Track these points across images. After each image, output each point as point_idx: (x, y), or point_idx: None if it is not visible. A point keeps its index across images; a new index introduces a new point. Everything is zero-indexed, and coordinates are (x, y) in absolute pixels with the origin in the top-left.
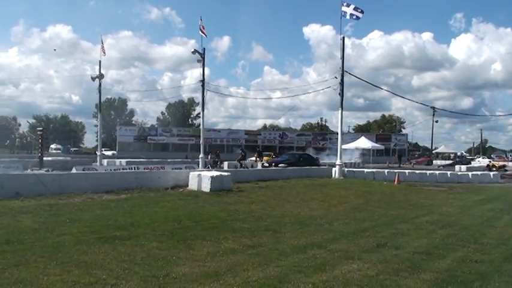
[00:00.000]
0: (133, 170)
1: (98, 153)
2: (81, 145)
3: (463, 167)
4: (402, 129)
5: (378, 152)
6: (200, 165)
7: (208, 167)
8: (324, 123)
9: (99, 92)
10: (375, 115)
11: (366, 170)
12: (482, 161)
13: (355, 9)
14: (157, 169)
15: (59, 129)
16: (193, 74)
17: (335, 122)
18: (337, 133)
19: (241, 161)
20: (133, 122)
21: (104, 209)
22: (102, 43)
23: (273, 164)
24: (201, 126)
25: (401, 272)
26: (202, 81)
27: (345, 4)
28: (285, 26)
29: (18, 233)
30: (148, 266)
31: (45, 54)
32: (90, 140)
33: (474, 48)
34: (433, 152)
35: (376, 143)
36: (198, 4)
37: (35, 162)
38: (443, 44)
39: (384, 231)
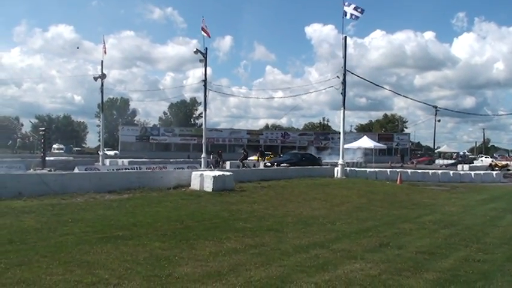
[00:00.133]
0: (135, 170)
1: (100, 153)
2: (84, 145)
3: (466, 167)
4: (404, 129)
5: (380, 152)
6: (202, 165)
7: (211, 167)
8: (326, 122)
9: (102, 92)
10: (377, 114)
11: (368, 169)
12: (485, 161)
13: (355, 8)
14: (159, 169)
15: (61, 129)
16: (195, 74)
17: (337, 121)
18: (339, 133)
19: (243, 161)
20: (135, 122)
21: (106, 208)
22: (104, 43)
23: (275, 164)
24: (203, 126)
25: (404, 272)
26: (205, 81)
27: (346, 4)
28: (287, 25)
29: (21, 232)
30: (151, 265)
31: (48, 54)
32: (92, 139)
33: (476, 47)
34: (436, 151)
35: (379, 142)
36: (200, 4)
37: (38, 162)
38: (445, 43)
39: (386, 230)
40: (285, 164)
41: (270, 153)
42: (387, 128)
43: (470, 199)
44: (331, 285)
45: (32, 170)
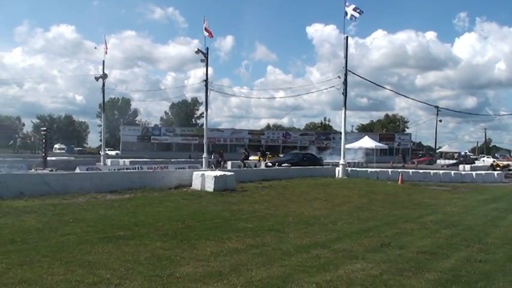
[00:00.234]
0: (136, 170)
1: (102, 153)
2: (85, 145)
3: (467, 167)
4: (406, 129)
5: (382, 152)
6: (203, 165)
7: (212, 167)
8: (327, 122)
9: (103, 92)
10: (379, 115)
11: (369, 169)
12: (487, 161)
13: (355, 9)
14: (160, 169)
15: (62, 129)
16: (196, 74)
17: (338, 121)
18: (341, 133)
19: (244, 161)
20: (136, 122)
21: (108, 208)
22: (106, 43)
23: (277, 164)
24: (204, 126)
25: (405, 272)
26: (206, 81)
27: (347, 4)
28: (288, 25)
29: (22, 232)
30: (152, 265)
31: (49, 54)
32: (93, 139)
33: (478, 47)
34: (437, 151)
35: (380, 142)
36: (201, 4)
37: (39, 162)
38: (447, 43)
39: (387, 230)
40: (286, 164)
41: (268, 153)
42: (388, 128)
43: (471, 199)
44: (333, 285)
45: (33, 170)
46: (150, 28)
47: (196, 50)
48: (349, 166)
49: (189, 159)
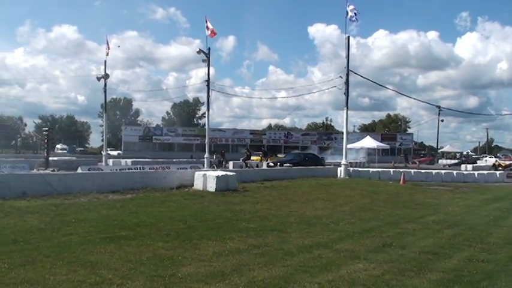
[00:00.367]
0: (138, 170)
1: (104, 153)
2: (87, 145)
3: (469, 166)
4: (408, 129)
5: (383, 152)
6: (205, 165)
7: (214, 167)
8: (329, 122)
9: (105, 92)
10: (380, 114)
11: (371, 169)
12: (489, 160)
13: (352, 10)
14: (162, 169)
15: (64, 129)
16: (198, 74)
17: (340, 121)
18: (343, 133)
19: (246, 161)
20: (138, 122)
21: (110, 208)
22: (108, 43)
23: (278, 164)
24: (206, 126)
25: (407, 272)
26: (208, 81)
27: (348, 4)
28: (290, 25)
29: (25, 232)
30: (154, 265)
31: (51, 55)
32: (95, 140)
33: (480, 47)
34: (439, 151)
35: (382, 142)
36: (203, 4)
37: (41, 162)
38: (448, 43)
39: (389, 231)
40: (288, 164)
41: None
42: (390, 128)
43: (473, 199)
44: (335, 286)
45: (35, 170)
46: (152, 28)
47: (198, 50)
48: (351, 166)
49: (190, 159)
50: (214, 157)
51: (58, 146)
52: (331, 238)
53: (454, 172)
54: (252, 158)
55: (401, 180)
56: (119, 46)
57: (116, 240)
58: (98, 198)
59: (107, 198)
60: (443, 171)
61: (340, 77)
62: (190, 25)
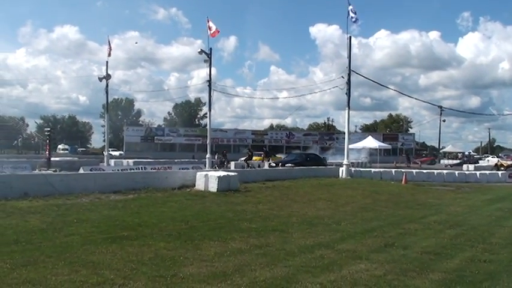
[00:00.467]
0: (140, 170)
1: (105, 153)
2: (89, 145)
3: (471, 167)
4: (409, 129)
5: (385, 152)
6: (207, 165)
7: (215, 167)
8: (330, 122)
9: (106, 92)
10: (382, 115)
11: (373, 169)
12: (492, 160)
13: (352, 10)
14: (164, 169)
15: (66, 130)
16: (199, 74)
17: (342, 121)
18: (344, 133)
19: (248, 161)
20: (140, 122)
21: (112, 209)
22: (109, 44)
23: (280, 164)
24: (207, 126)
25: (409, 272)
26: (209, 81)
27: (349, 4)
28: (292, 25)
29: (27, 233)
30: (156, 266)
31: (53, 55)
32: (97, 140)
33: (482, 47)
34: (441, 151)
35: (383, 142)
36: (204, 4)
37: (43, 163)
38: (450, 43)
39: (391, 231)
40: (290, 164)
41: (263, 153)
42: (392, 128)
43: (475, 199)
44: (337, 286)
45: (37, 170)
46: (154, 29)
47: (199, 50)
48: (352, 166)
49: (192, 160)
50: (216, 157)
51: (60, 146)
52: (333, 238)
53: (456, 172)
54: (255, 158)
55: (403, 180)
56: (136, 43)
57: (117, 240)
58: (100, 198)
59: (108, 199)
60: (445, 172)
61: (342, 77)
62: (191, 25)
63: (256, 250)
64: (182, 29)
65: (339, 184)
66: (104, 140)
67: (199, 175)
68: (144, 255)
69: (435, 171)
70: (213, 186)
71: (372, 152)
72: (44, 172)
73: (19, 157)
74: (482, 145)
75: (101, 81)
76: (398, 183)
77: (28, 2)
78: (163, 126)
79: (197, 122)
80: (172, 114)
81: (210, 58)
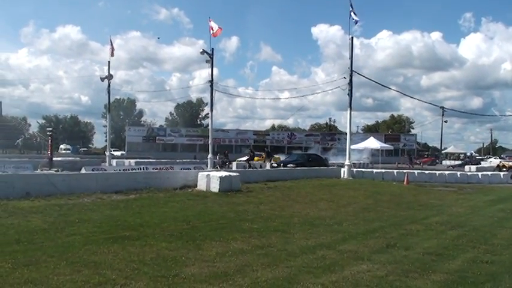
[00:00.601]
0: (142, 170)
1: (107, 153)
2: (90, 145)
3: (473, 167)
4: (411, 130)
5: (387, 153)
6: (209, 166)
7: (217, 167)
8: (332, 123)
9: (108, 92)
10: (384, 115)
11: (374, 170)
12: (494, 161)
13: (352, 10)
14: (166, 169)
15: (68, 130)
16: (201, 75)
17: (344, 122)
18: (346, 133)
19: (249, 161)
20: (142, 123)
21: (113, 209)
22: (112, 44)
23: (282, 165)
24: (209, 127)
25: (411, 273)
26: (211, 81)
27: (351, 7)
28: (293, 26)
29: (28, 233)
30: (158, 266)
31: (55, 55)
32: (99, 140)
33: (484, 47)
34: (443, 152)
35: (385, 143)
36: (206, 4)
37: (45, 163)
38: (452, 44)
39: (393, 231)
40: (292, 165)
41: (263, 154)
42: (394, 129)
43: (477, 200)
44: (338, 287)
45: (39, 170)
46: (155, 29)
47: (201, 50)
48: (354, 167)
49: (194, 160)
50: (217, 158)
51: (62, 146)
52: (334, 239)
53: (458, 173)
54: (256, 158)
55: (405, 181)
56: (158, 38)
57: (119, 240)
58: (102, 198)
59: (110, 199)
60: (446, 172)
61: (344, 77)
62: (193, 26)
63: (258, 250)
64: (184, 29)
65: (341, 185)
66: (106, 140)
67: (201, 175)
68: (145, 255)
69: (437, 172)
70: (214, 187)
71: (374, 152)
72: (45, 172)
73: (21, 157)
74: (484, 146)
75: (102, 81)
76: (400, 184)
77: (30, 2)
78: (165, 126)
79: (199, 122)
80: (174, 114)
81: (212, 58)
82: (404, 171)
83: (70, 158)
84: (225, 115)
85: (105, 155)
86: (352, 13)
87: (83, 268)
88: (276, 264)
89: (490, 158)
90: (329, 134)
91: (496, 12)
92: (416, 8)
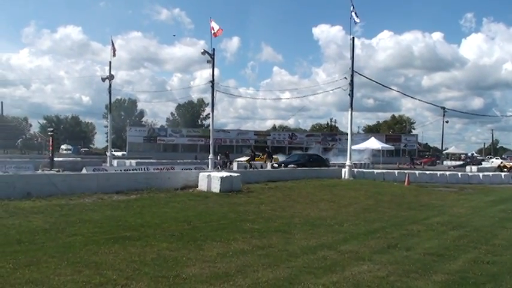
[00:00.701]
0: (143, 171)
1: (108, 153)
2: (91, 146)
3: (474, 168)
4: (412, 130)
5: (388, 153)
6: (210, 166)
7: (218, 168)
8: (333, 123)
9: (109, 92)
10: (385, 115)
11: (375, 170)
12: (495, 162)
13: (352, 11)
14: (167, 170)
15: (69, 130)
16: (202, 75)
17: (345, 122)
18: (347, 134)
19: (250, 162)
20: (143, 123)
21: (114, 209)
22: (113, 44)
23: (283, 165)
24: (210, 127)
25: (412, 274)
26: (212, 81)
27: (353, 5)
28: (294, 26)
29: (29, 233)
30: (159, 266)
31: (56, 55)
32: (100, 140)
33: (485, 48)
34: (444, 152)
35: (386, 143)
36: (207, 5)
37: (46, 163)
38: (453, 44)
39: (394, 232)
40: (292, 165)
41: (261, 154)
42: (395, 129)
43: (478, 200)
44: (339, 287)
45: (40, 170)
46: (156, 29)
47: (202, 51)
48: (355, 167)
49: (195, 160)
50: (218, 158)
51: (63, 146)
52: (335, 239)
53: (459, 173)
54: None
55: (406, 181)
56: (174, 35)
57: (120, 240)
58: (103, 198)
59: (111, 199)
60: (448, 173)
61: (345, 78)
62: (194, 26)
63: (259, 251)
64: (185, 29)
65: (342, 185)
66: (107, 140)
67: (202, 176)
68: (146, 255)
69: (438, 172)
70: (215, 187)
71: (375, 153)
72: (46, 172)
73: (22, 157)
74: (486, 146)
75: (104, 81)
76: (401, 184)
77: (31, 3)
78: (166, 126)
79: (200, 123)
80: (175, 114)
81: (213, 59)
82: (405, 171)
83: (71, 158)
84: (226, 115)
85: (106, 155)
86: (353, 14)
87: (84, 268)
88: (276, 264)
89: (491, 158)
90: (330, 134)
91: (497, 13)
92: (418, 8)
